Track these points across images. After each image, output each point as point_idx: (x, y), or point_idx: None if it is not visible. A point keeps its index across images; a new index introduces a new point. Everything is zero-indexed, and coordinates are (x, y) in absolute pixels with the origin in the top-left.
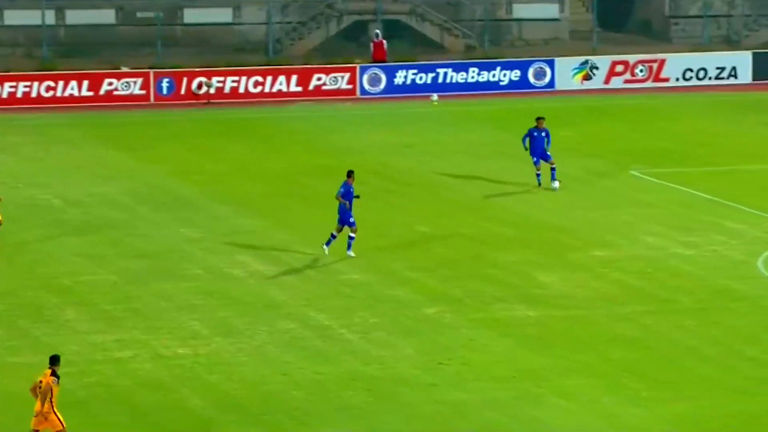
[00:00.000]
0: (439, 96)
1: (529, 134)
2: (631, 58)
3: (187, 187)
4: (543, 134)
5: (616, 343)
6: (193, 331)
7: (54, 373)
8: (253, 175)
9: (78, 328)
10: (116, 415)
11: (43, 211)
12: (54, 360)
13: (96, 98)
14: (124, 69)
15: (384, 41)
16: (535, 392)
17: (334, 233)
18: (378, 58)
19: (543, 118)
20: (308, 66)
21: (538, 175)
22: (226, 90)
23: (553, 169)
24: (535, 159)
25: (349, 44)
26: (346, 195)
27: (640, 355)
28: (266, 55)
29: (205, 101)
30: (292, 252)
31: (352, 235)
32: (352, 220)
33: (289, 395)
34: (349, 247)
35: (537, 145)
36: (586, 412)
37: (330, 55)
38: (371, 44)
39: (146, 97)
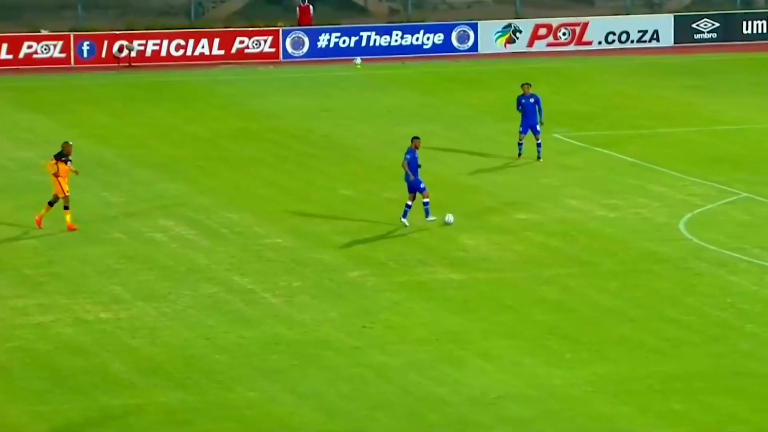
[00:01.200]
0: (362, 59)
1: (518, 102)
2: (554, 22)
3: (108, 151)
4: (532, 100)
5: (539, 306)
6: (115, 296)
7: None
8: (174, 138)
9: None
10: (38, 379)
11: None
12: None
13: (15, 62)
14: (44, 32)
15: (310, 6)
16: (457, 354)
17: (409, 203)
18: (304, 24)
19: (529, 84)
20: (231, 29)
21: (519, 144)
22: (148, 53)
23: (538, 144)
24: (522, 128)
25: (273, 8)
26: (412, 162)
27: (562, 317)
28: (188, 18)
29: (127, 65)
30: (215, 216)
31: (426, 200)
32: (422, 186)
33: (213, 359)
34: (427, 213)
35: (528, 113)
36: (509, 373)
37: (253, 18)
38: (297, 9)
39: (67, 61)
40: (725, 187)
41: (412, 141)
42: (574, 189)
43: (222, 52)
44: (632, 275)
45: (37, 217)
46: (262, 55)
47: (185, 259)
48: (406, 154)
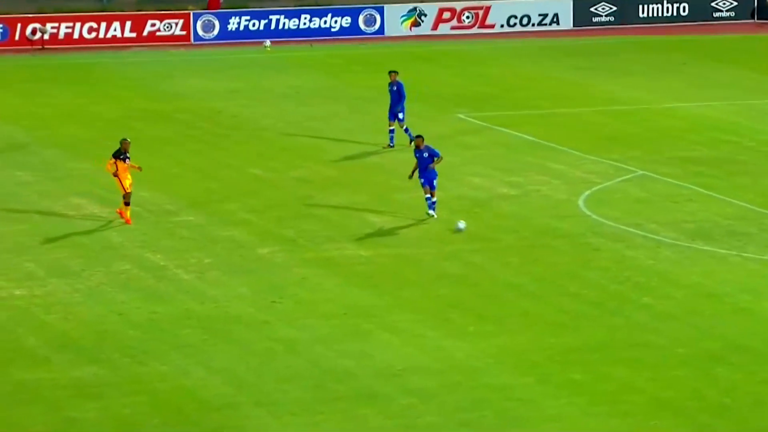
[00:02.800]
0: (271, 42)
1: (389, 89)
2: (458, 5)
3: (19, 131)
4: (395, 88)
5: (443, 281)
6: (29, 273)
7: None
8: (85, 119)
9: None
10: None
11: None
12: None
13: None
14: None
15: None
16: (364, 328)
17: (427, 195)
18: (214, 8)
19: (396, 72)
20: (142, 12)
21: (390, 130)
22: (61, 36)
23: (391, 131)
24: (390, 116)
25: None
26: (421, 161)
27: (465, 291)
28: (100, 1)
29: (40, 47)
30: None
31: (427, 195)
32: (434, 183)
33: (125, 334)
34: (430, 207)
35: (394, 100)
36: (413, 346)
37: (163, 1)
38: None
39: None
40: (621, 165)
41: (413, 142)
42: (476, 167)
43: (134, 34)
44: (533, 250)
45: (124, 216)
46: (173, 38)
47: (98, 236)
48: (414, 153)
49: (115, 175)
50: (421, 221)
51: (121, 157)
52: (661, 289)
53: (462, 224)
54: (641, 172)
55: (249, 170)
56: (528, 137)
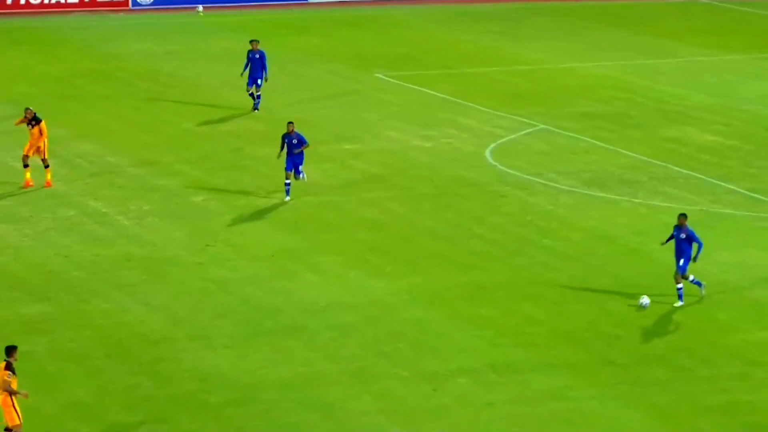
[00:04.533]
0: (204, 8)
1: (247, 56)
2: None
3: None
4: (258, 56)
5: (362, 225)
6: None
7: (9, 367)
8: (31, 78)
9: None
10: None
11: None
12: (9, 351)
13: None
14: None
15: None
16: (290, 269)
17: (288, 181)
18: None
19: (257, 41)
20: None
21: (251, 95)
22: (8, 1)
23: (258, 96)
24: (249, 81)
25: None
26: (288, 147)
27: (382, 235)
28: None
29: None
30: (70, 147)
31: (301, 176)
32: (300, 167)
33: (70, 275)
34: (287, 193)
35: (254, 67)
36: (335, 285)
37: None
38: None
39: None
40: (525, 120)
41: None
42: (393, 122)
43: (76, 0)
44: (444, 198)
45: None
46: (113, 4)
47: (43, 185)
48: (283, 138)
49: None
50: (342, 171)
51: (28, 124)
52: (560, 232)
53: (646, 300)
54: (543, 126)
55: (183, 125)
56: (440, 95)
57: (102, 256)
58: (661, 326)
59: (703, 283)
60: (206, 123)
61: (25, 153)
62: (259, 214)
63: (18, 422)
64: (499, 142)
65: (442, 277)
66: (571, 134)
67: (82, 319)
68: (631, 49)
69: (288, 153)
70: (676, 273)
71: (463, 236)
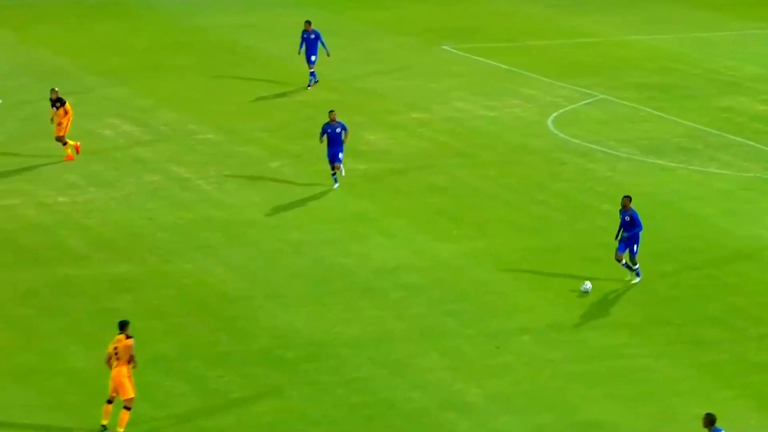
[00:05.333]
0: None
1: (301, 37)
2: None
3: (61, 59)
4: (312, 36)
5: (430, 191)
6: (71, 183)
7: (129, 337)
8: (118, 49)
9: None
10: (4, 254)
11: None
12: (124, 325)
13: None
14: None
15: None
16: (361, 232)
17: (334, 172)
18: None
19: (309, 22)
20: None
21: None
22: None
23: (311, 73)
24: (307, 59)
25: None
26: (330, 135)
27: (449, 200)
28: None
29: None
30: (154, 115)
31: (334, 171)
32: (340, 156)
33: (154, 236)
34: (336, 179)
35: (309, 47)
36: (404, 248)
37: None
38: None
39: None
40: (585, 90)
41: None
42: (459, 93)
43: None
44: (508, 165)
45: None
46: None
47: (130, 152)
48: (325, 127)
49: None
50: (411, 139)
51: (53, 105)
52: (618, 197)
53: (587, 286)
54: (602, 96)
55: (261, 95)
56: (504, 66)
57: (184, 218)
58: (714, 288)
59: (638, 276)
60: (282, 93)
61: (57, 135)
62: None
63: (133, 395)
64: (560, 111)
65: (506, 240)
66: (629, 104)
67: (165, 279)
68: (686, 22)
69: (329, 143)
70: (617, 252)
71: (525, 201)
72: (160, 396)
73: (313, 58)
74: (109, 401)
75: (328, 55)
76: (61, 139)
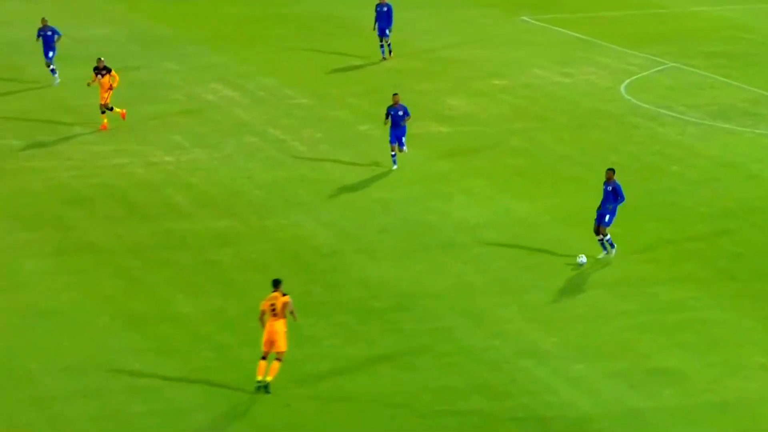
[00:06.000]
0: None
1: (375, 11)
2: None
3: (166, 29)
4: (385, 9)
5: (509, 153)
6: (176, 143)
7: (285, 294)
8: (220, 20)
9: (84, 140)
10: (114, 209)
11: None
12: (278, 283)
13: None
14: None
15: None
16: (444, 191)
17: (393, 153)
18: None
19: None
20: None
21: (381, 46)
22: None
23: (388, 45)
24: (379, 32)
25: None
26: (393, 118)
27: (527, 161)
28: None
29: None
30: (253, 81)
31: (403, 150)
32: (403, 139)
33: (253, 194)
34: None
35: (382, 20)
36: (485, 206)
37: None
38: None
39: None
40: (657, 58)
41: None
42: (537, 60)
43: None
44: (582, 129)
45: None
46: None
47: (231, 115)
48: (388, 110)
49: (89, 84)
50: (492, 104)
51: (98, 73)
52: (687, 159)
53: (583, 259)
54: (672, 64)
55: (351, 62)
56: (579, 36)
57: (280, 177)
58: None
59: (613, 247)
60: (371, 61)
61: (101, 103)
62: (417, 142)
63: (285, 348)
64: (632, 78)
65: (580, 199)
66: (697, 71)
67: (263, 234)
68: None
69: (393, 125)
70: (598, 226)
71: (598, 163)
72: (259, 342)
73: (387, 32)
74: (263, 357)
75: (390, 31)
76: (104, 106)
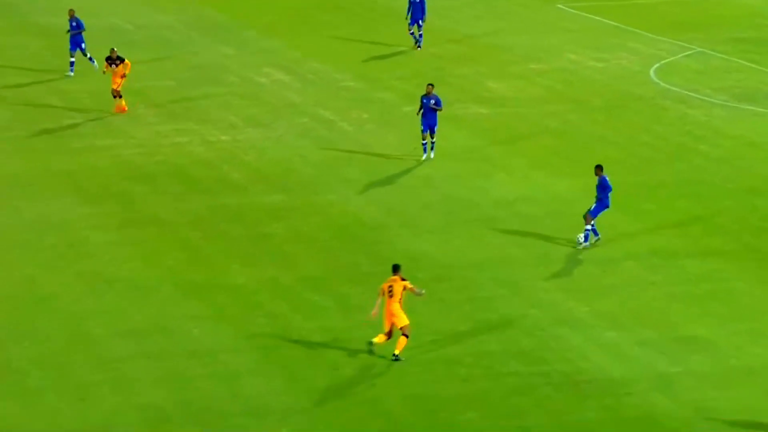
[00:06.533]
0: None
1: (408, 2)
2: None
3: (222, 16)
4: (418, 0)
5: (545, 133)
6: (232, 123)
7: (404, 279)
8: (273, 9)
9: (147, 121)
10: (176, 184)
11: (120, 33)
12: (397, 269)
13: None
14: None
15: None
16: (484, 169)
17: (424, 141)
18: None
19: None
20: None
21: (411, 34)
22: None
23: (420, 35)
24: (411, 21)
25: None
26: (424, 107)
27: (562, 141)
28: None
29: None
30: (303, 65)
31: (432, 140)
32: (435, 128)
33: (304, 171)
34: (432, 149)
35: (414, 10)
36: (523, 183)
37: None
38: None
39: None
40: (685, 44)
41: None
42: (571, 46)
43: None
44: (615, 110)
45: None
46: None
47: (282, 97)
48: (422, 99)
49: (104, 72)
50: (530, 87)
51: (111, 63)
52: (714, 139)
53: (581, 238)
54: (699, 49)
55: (396, 47)
56: (612, 23)
57: (329, 155)
58: None
59: (595, 238)
60: (410, 46)
61: (113, 88)
62: (458, 123)
63: (408, 322)
64: (661, 62)
65: (613, 177)
66: (723, 56)
67: (313, 208)
68: None
69: (424, 114)
70: (586, 214)
71: (630, 143)
72: (309, 310)
73: (420, 22)
74: (388, 335)
75: (424, 21)
76: (116, 92)
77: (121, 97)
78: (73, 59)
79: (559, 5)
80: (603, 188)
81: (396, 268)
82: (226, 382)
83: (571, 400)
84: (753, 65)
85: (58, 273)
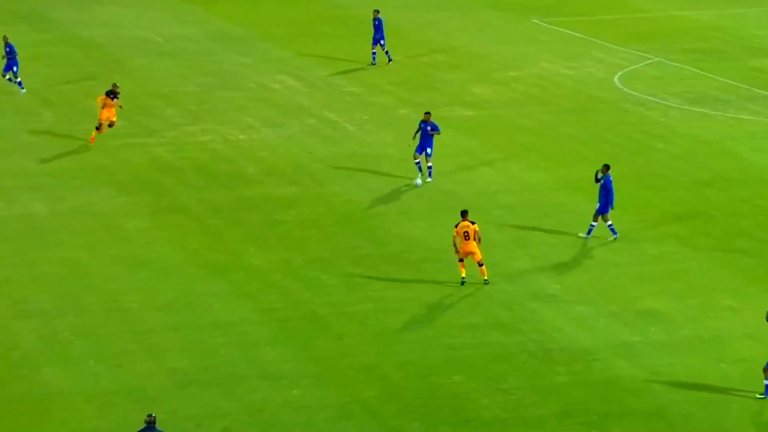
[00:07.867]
0: None
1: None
2: None
3: (239, 29)
4: (377, 23)
5: (522, 132)
6: (248, 124)
7: (473, 222)
8: (282, 21)
9: (175, 121)
10: (200, 178)
11: (149, 45)
12: (465, 213)
13: None
14: None
15: None
16: (468, 164)
17: (417, 160)
18: None
19: (378, 11)
20: None
21: (373, 53)
22: None
23: (385, 53)
24: (373, 41)
25: None
26: (422, 132)
27: (537, 139)
28: None
29: None
30: (311, 72)
31: (429, 164)
32: (429, 150)
33: (312, 166)
34: (429, 174)
35: (376, 31)
36: (502, 176)
37: None
38: None
39: None
40: (644, 54)
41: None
42: (546, 55)
43: None
44: (583, 112)
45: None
46: None
47: (293, 100)
48: (420, 124)
49: (104, 107)
50: (508, 91)
51: (111, 96)
52: (670, 138)
53: (419, 181)
54: (657, 58)
55: (392, 56)
56: (580, 35)
57: (334, 152)
58: (745, 208)
59: (586, 236)
60: (409, 55)
61: (102, 120)
62: (446, 123)
63: (481, 256)
64: (624, 70)
65: (581, 170)
66: (678, 65)
67: (320, 198)
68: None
69: (421, 138)
70: (598, 214)
71: (597, 141)
72: (317, 286)
73: (382, 42)
74: (461, 260)
75: (382, 39)
76: (109, 125)
77: (111, 125)
78: (10, 78)
79: (534, 20)
80: (607, 189)
81: (464, 213)
82: (244, 350)
83: (544, 365)
84: (704, 72)
85: (97, 255)
